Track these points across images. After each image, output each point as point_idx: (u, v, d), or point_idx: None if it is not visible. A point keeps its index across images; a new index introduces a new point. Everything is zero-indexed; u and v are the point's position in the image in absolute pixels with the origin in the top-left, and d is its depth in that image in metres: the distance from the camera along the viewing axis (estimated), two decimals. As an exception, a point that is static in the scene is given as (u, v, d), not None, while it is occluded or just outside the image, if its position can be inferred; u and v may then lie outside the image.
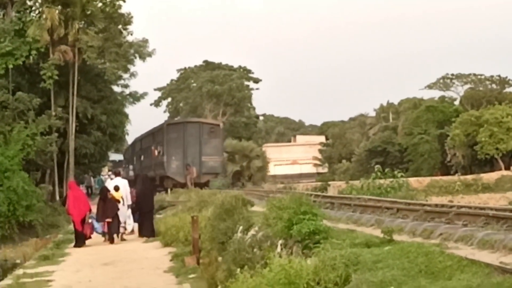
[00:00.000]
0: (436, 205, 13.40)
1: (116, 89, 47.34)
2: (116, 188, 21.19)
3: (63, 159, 38.57)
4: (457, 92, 69.23)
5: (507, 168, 47.46)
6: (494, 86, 66.63)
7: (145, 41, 46.71)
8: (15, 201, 25.58)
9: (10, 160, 27.07)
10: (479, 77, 67.36)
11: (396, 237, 9.03)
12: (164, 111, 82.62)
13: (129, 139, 57.43)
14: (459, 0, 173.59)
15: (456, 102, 65.70)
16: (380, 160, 54.39)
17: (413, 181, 40.87)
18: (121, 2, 39.91)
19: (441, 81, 69.66)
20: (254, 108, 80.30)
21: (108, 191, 20.99)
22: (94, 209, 20.96)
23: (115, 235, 20.53)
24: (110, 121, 41.66)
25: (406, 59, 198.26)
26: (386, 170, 35.44)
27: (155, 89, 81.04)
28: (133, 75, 47.43)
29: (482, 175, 45.05)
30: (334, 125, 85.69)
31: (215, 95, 73.09)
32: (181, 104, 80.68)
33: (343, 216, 13.11)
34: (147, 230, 20.86)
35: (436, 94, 69.79)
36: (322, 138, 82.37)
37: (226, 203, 13.87)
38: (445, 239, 8.68)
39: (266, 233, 10.69)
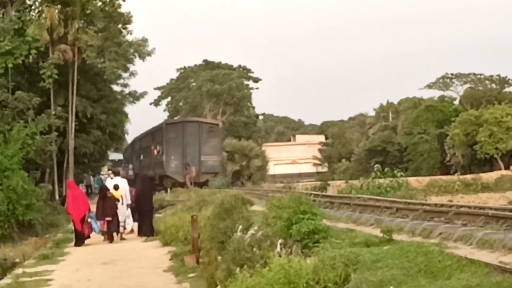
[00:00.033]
0: (436, 205, 13.41)
1: (116, 88, 47.45)
2: (116, 187, 21.19)
3: (62, 158, 38.57)
4: (456, 91, 69.34)
5: (506, 168, 47.48)
6: (493, 85, 66.66)
7: (145, 40, 46.75)
8: (15, 200, 25.57)
9: (10, 159, 27.06)
10: (478, 76, 67.39)
11: (395, 236, 9.03)
12: (164, 111, 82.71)
13: (129, 138, 57.52)
14: (459, 0, 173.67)
15: (456, 102, 65.74)
16: (379, 160, 54.41)
17: (412, 180, 40.89)
18: (120, 1, 39.95)
19: (441, 80, 69.70)
20: (253, 108, 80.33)
21: (108, 189, 20.99)
22: (93, 208, 20.95)
23: (114, 234, 20.54)
24: (110, 120, 41.66)
25: (406, 59, 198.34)
26: (386, 169, 35.46)
27: (154, 89, 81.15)
28: (132, 74, 47.51)
29: (481, 174, 45.07)
30: (334, 124, 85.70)
31: (215, 94, 73.08)
32: (180, 104, 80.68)
33: (343, 216, 13.11)
34: (146, 229, 20.86)
35: (435, 93, 69.93)
36: (321, 138, 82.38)
37: (226, 203, 13.86)
38: (445, 238, 8.68)
39: (265, 233, 10.69)
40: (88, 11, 38.32)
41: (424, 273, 6.83)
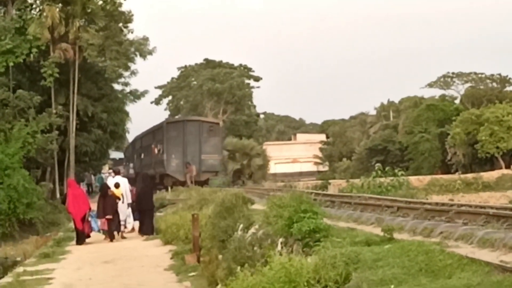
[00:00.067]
0: (437, 204, 13.42)
1: (117, 87, 47.42)
2: (117, 185, 21.21)
3: (63, 157, 38.60)
4: (457, 90, 69.23)
5: (507, 167, 47.43)
6: (494, 84, 66.57)
7: (146, 39, 46.71)
8: (16, 199, 25.61)
9: (11, 158, 27.09)
10: (479, 75, 67.30)
11: (396, 235, 9.03)
12: (165, 109, 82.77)
13: (130, 137, 57.54)
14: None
15: (457, 101, 65.65)
16: (380, 159, 54.36)
17: (413, 179, 40.87)
18: (121, 0, 39.98)
19: (442, 79, 69.60)
20: (254, 106, 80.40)
21: (109, 188, 21.01)
22: (94, 207, 20.97)
23: (115, 233, 20.55)
24: (111, 119, 41.67)
25: (406, 58, 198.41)
26: (387, 168, 35.44)
27: (155, 87, 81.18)
28: (133, 73, 47.47)
29: (482, 173, 45.04)
30: (335, 123, 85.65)
31: (216, 93, 73.11)
32: (181, 102, 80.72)
33: (344, 215, 13.12)
34: (147, 228, 20.88)
35: (436, 92, 69.83)
36: (322, 137, 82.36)
37: (227, 201, 13.86)
38: (445, 237, 8.69)
39: (266, 231, 10.70)
40: (89, 10, 38.32)
41: (425, 272, 6.83)
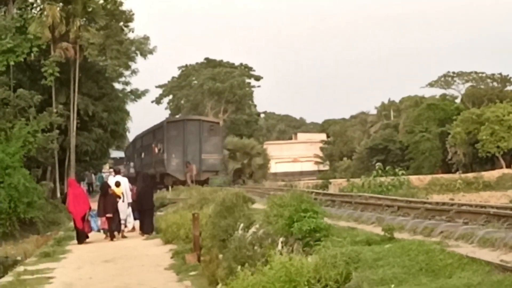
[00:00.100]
0: (437, 203, 13.43)
1: (117, 86, 47.43)
2: (117, 184, 21.22)
3: (64, 156, 38.60)
4: (458, 90, 69.23)
5: (508, 166, 47.44)
6: (495, 84, 66.56)
7: (146, 38, 46.70)
8: (16, 198, 25.60)
9: (11, 157, 27.09)
10: (480, 75, 67.29)
11: (396, 235, 9.03)
12: (165, 109, 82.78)
13: (130, 136, 57.55)
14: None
15: (457, 100, 65.64)
16: (381, 158, 54.36)
17: (414, 179, 40.88)
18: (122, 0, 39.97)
19: (442, 79, 69.60)
20: (255, 106, 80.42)
21: (109, 187, 21.01)
22: (94, 206, 20.97)
23: (115, 232, 20.55)
24: (111, 118, 41.66)
25: (407, 57, 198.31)
26: (387, 168, 35.45)
27: (156, 87, 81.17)
28: (134, 72, 47.48)
29: (483, 173, 45.06)
30: (335, 122, 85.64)
31: (216, 92, 73.12)
32: (182, 102, 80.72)
33: (344, 214, 13.11)
34: (147, 227, 20.87)
35: (437, 92, 69.84)
36: (323, 136, 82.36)
37: (227, 201, 13.86)
38: (446, 237, 8.69)
39: (267, 231, 10.69)
40: (90, 9, 38.30)
41: (425, 271, 6.83)
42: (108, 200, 20.37)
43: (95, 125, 40.52)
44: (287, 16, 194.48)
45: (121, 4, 40.20)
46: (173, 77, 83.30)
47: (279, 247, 9.50)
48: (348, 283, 6.92)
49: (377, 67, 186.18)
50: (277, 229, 9.99)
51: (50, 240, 22.23)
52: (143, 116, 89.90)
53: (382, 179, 32.92)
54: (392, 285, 6.42)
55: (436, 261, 7.03)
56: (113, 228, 20.40)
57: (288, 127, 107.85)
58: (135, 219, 21.89)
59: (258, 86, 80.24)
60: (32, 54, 35.56)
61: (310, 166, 79.08)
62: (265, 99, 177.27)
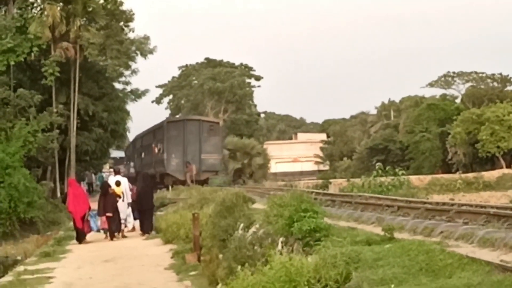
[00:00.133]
0: (437, 203, 13.44)
1: (118, 86, 47.46)
2: (118, 183, 21.23)
3: (64, 156, 38.60)
4: (458, 90, 69.25)
5: (508, 166, 47.44)
6: (495, 84, 66.56)
7: (147, 38, 46.74)
8: (16, 197, 25.61)
9: (12, 157, 27.09)
10: (480, 75, 67.29)
11: (397, 235, 9.03)
12: (166, 108, 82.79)
13: (131, 136, 57.57)
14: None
15: (458, 100, 65.63)
16: (381, 158, 54.36)
17: (414, 179, 40.88)
18: (122, -1, 40.00)
19: (443, 79, 69.61)
20: (255, 106, 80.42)
21: (109, 186, 21.03)
22: (94, 206, 20.98)
23: (116, 232, 20.56)
24: (112, 118, 41.67)
25: (407, 57, 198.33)
26: (387, 168, 35.46)
27: (156, 86, 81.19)
28: (134, 72, 47.54)
29: (483, 173, 45.06)
30: (335, 122, 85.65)
31: (217, 92, 73.12)
32: (182, 101, 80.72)
33: (344, 214, 13.11)
34: (147, 228, 20.89)
35: (437, 92, 69.85)
36: (323, 136, 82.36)
37: (227, 201, 13.86)
38: (446, 237, 8.68)
39: (267, 231, 10.69)
40: (90, 9, 38.31)
41: (425, 271, 6.83)
42: (108, 200, 20.39)
43: (95, 125, 40.52)
44: (287, 16, 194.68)
45: (121, 4, 40.22)
46: (173, 77, 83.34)
47: (279, 247, 9.50)
48: (348, 283, 6.92)
49: (377, 67, 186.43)
50: (277, 229, 9.99)
51: (50, 240, 22.23)
52: (143, 116, 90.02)
53: (382, 179, 32.93)
54: (392, 285, 6.42)
55: (436, 261, 7.03)
56: (114, 228, 20.40)
57: (288, 127, 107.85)
58: (135, 219, 21.90)
59: (258, 86, 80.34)
60: (32, 54, 35.55)
61: (310, 166, 79.08)
62: (265, 99, 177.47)
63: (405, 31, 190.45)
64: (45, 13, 36.68)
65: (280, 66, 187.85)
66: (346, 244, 8.14)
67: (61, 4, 37.67)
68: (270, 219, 10.61)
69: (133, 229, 21.88)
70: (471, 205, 12.39)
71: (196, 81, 78.81)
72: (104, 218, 20.31)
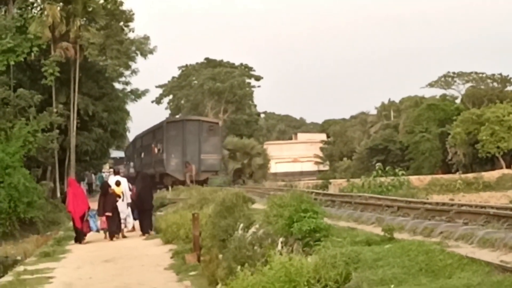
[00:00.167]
0: (437, 204, 13.42)
1: (118, 86, 47.46)
2: (118, 183, 21.24)
3: (64, 156, 38.60)
4: (458, 90, 69.24)
5: (508, 167, 47.45)
6: (495, 84, 66.57)
7: (146, 38, 46.73)
8: (16, 197, 25.61)
9: (11, 157, 27.09)
10: (480, 75, 67.29)
11: (396, 235, 9.03)
12: (166, 108, 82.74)
13: (130, 136, 57.57)
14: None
15: (458, 101, 65.63)
16: (381, 158, 54.36)
17: (414, 179, 40.88)
18: (122, -1, 40.00)
19: (443, 79, 69.60)
20: (255, 106, 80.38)
21: (109, 186, 21.04)
22: (94, 206, 20.98)
23: (116, 232, 20.57)
24: (111, 118, 41.67)
25: (407, 57, 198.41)
26: (387, 168, 35.44)
27: (156, 86, 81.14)
28: (134, 72, 47.52)
29: (483, 173, 45.07)
30: (335, 123, 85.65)
31: (217, 92, 73.09)
32: (182, 102, 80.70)
33: (344, 214, 13.11)
34: (147, 227, 20.89)
35: (437, 92, 69.84)
36: (323, 136, 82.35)
37: (227, 201, 13.86)
38: (446, 237, 8.68)
39: (266, 231, 10.69)
40: (90, 9, 38.31)
41: (425, 271, 6.83)
42: (108, 200, 20.40)
43: (95, 125, 40.52)
44: (287, 16, 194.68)
45: (121, 4, 40.22)
46: (173, 77, 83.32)
47: (279, 247, 9.50)
48: (347, 283, 6.92)
49: (377, 67, 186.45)
50: (277, 229, 9.98)
51: (50, 240, 22.23)
52: (143, 116, 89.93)
53: (382, 179, 32.92)
54: (392, 286, 6.42)
55: (436, 262, 7.03)
56: (114, 228, 20.40)
57: (288, 127, 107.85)
58: (134, 219, 21.90)
59: (258, 86, 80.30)
60: (32, 54, 35.56)
61: (310, 166, 79.08)
62: (265, 99, 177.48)
63: (405, 31, 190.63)
64: (45, 13, 36.68)
65: (280, 66, 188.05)
66: (346, 244, 8.14)
67: (61, 4, 37.67)
68: (270, 219, 10.61)
69: (133, 229, 21.88)
70: (471, 206, 12.39)
71: (196, 81, 78.79)
72: (104, 218, 20.32)
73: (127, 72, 47.33)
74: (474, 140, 49.60)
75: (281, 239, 9.81)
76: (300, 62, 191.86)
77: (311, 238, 8.95)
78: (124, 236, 20.91)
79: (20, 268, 15.50)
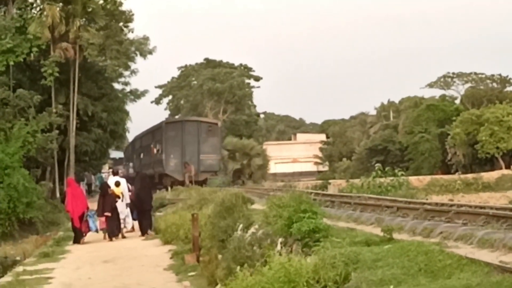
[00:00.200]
0: (436, 204, 13.43)
1: (117, 86, 47.48)
2: (117, 184, 21.24)
3: (63, 157, 38.59)
4: (457, 91, 69.26)
5: (507, 167, 47.43)
6: (494, 85, 66.60)
7: (146, 38, 46.81)
8: (16, 198, 25.59)
9: (11, 157, 27.07)
10: (480, 76, 67.31)
11: (396, 235, 9.03)
12: (165, 109, 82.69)
13: (130, 136, 57.56)
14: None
15: (457, 101, 65.66)
16: (380, 159, 54.35)
17: (413, 179, 40.87)
18: (122, 0, 39.98)
19: (442, 80, 69.61)
20: (254, 106, 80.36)
21: (109, 187, 21.04)
22: (93, 207, 20.97)
23: (116, 232, 20.57)
24: (111, 118, 41.67)
25: (407, 58, 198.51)
26: (387, 168, 35.41)
27: (156, 87, 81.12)
28: (133, 72, 47.57)
29: (482, 174, 45.06)
30: (335, 123, 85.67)
31: (216, 93, 73.08)
32: (182, 102, 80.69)
33: (343, 215, 13.12)
34: (146, 228, 20.88)
35: (437, 92, 69.83)
36: (322, 137, 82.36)
37: (226, 201, 13.85)
38: (445, 238, 8.69)
39: (266, 231, 10.69)
40: (90, 9, 38.33)
41: (425, 272, 6.83)
42: (107, 200, 20.40)
43: (94, 125, 40.52)
44: (287, 16, 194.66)
45: (120, 4, 40.24)
46: (172, 78, 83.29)
47: (278, 247, 9.49)
48: (347, 284, 6.92)
49: (377, 67, 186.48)
50: (276, 229, 9.99)
51: (49, 240, 22.22)
52: (142, 117, 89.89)
53: (382, 179, 32.89)
54: (391, 286, 6.42)
55: (435, 262, 7.04)
56: (113, 229, 20.40)
57: (287, 128, 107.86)
58: (134, 219, 21.89)
59: (258, 87, 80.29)
60: (32, 54, 35.55)
61: (310, 167, 79.08)
62: (265, 100, 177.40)
63: (405, 31, 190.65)
64: (45, 13, 36.68)
65: (280, 66, 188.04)
66: (345, 244, 8.15)
67: (60, 4, 37.67)
68: (269, 219, 10.62)
69: (132, 229, 21.87)
70: (470, 206, 12.39)
71: (195, 82, 78.78)
72: (103, 218, 20.32)
73: (126, 73, 47.43)
74: (473, 140, 49.61)
75: (280, 240, 9.81)
76: (300, 62, 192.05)
77: (310, 239, 8.96)
78: (123, 237, 20.91)
79: (19, 268, 15.49)
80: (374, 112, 76.73)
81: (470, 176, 44.86)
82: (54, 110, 36.03)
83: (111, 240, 20.16)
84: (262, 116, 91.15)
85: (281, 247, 9.48)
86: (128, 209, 21.70)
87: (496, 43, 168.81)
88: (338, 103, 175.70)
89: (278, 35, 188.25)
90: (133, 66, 46.98)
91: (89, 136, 39.92)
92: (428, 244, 7.90)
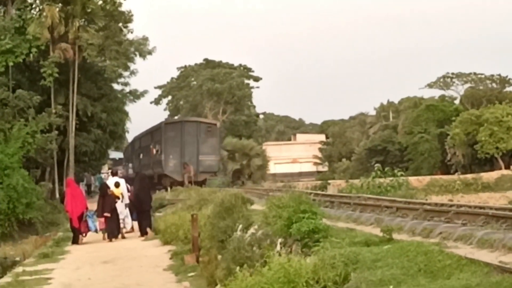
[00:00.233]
0: (436, 204, 13.43)
1: (116, 87, 47.49)
2: (117, 185, 21.25)
3: (63, 157, 38.58)
4: (457, 91, 69.31)
5: (507, 168, 47.46)
6: (494, 85, 66.64)
7: (145, 39, 46.83)
8: (15, 198, 25.59)
9: (10, 158, 27.07)
10: (479, 76, 67.34)
11: (395, 236, 9.03)
12: (164, 109, 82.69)
13: (129, 137, 57.55)
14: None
15: (456, 101, 65.69)
16: (380, 159, 54.39)
17: (413, 180, 40.89)
18: (121, 0, 39.99)
19: (442, 80, 69.65)
20: (254, 107, 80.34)
21: (108, 187, 21.05)
22: (92, 207, 20.95)
23: (116, 233, 20.56)
24: (110, 119, 41.67)
25: (406, 58, 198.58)
26: (386, 169, 35.45)
27: (155, 87, 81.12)
28: (133, 73, 47.57)
29: (482, 174, 45.08)
30: (334, 123, 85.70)
31: (216, 93, 73.08)
32: (181, 102, 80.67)
33: (343, 215, 13.11)
34: (145, 228, 20.87)
35: (436, 93, 69.90)
36: (322, 137, 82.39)
37: (226, 202, 13.85)
38: (445, 238, 8.68)
39: (265, 232, 10.69)
40: (89, 10, 38.31)
41: (424, 272, 6.83)
42: (107, 201, 20.41)
43: (94, 125, 40.52)
44: (287, 16, 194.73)
45: (120, 4, 40.24)
46: (172, 78, 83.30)
47: (278, 248, 9.49)
48: (346, 284, 6.92)
49: (377, 67, 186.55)
50: (275, 230, 9.98)
51: (49, 240, 22.21)
52: (142, 117, 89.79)
53: (381, 180, 32.91)
54: (391, 286, 6.42)
55: (434, 262, 7.03)
56: (113, 229, 20.40)
57: (287, 128, 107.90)
58: (133, 220, 21.89)
59: (257, 87, 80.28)
60: (31, 55, 35.57)
61: (309, 167, 79.13)
62: (265, 100, 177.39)
63: (405, 31, 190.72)
64: (44, 14, 36.66)
65: (280, 66, 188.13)
66: (345, 245, 8.14)
67: (60, 5, 37.66)
68: (268, 220, 10.61)
69: (132, 229, 21.87)
70: (470, 206, 12.39)
71: (195, 82, 78.77)
72: (102, 219, 20.32)
73: (126, 73, 47.43)
74: (473, 141, 49.63)
75: (280, 240, 9.81)
76: (299, 62, 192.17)
77: (310, 239, 8.95)
78: (123, 237, 20.91)
79: (19, 269, 15.48)
80: (373, 113, 76.86)
81: (469, 176, 44.88)
82: (53, 111, 36.03)
83: (110, 240, 20.16)
84: (261, 116, 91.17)
85: (281, 248, 9.48)
86: (128, 210, 21.71)
87: (496, 43, 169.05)
88: (338, 103, 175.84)
89: (278, 35, 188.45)
90: (132, 66, 47.06)
91: (88, 136, 39.91)
92: (427, 245, 7.90)
